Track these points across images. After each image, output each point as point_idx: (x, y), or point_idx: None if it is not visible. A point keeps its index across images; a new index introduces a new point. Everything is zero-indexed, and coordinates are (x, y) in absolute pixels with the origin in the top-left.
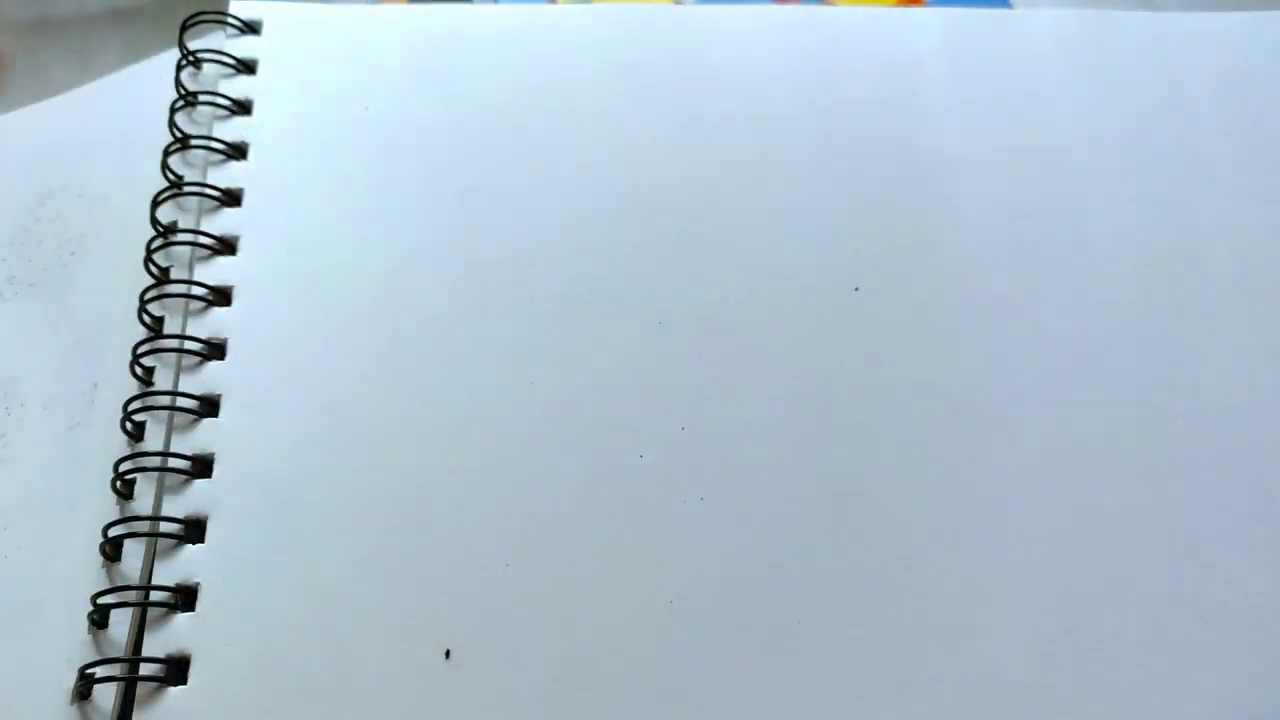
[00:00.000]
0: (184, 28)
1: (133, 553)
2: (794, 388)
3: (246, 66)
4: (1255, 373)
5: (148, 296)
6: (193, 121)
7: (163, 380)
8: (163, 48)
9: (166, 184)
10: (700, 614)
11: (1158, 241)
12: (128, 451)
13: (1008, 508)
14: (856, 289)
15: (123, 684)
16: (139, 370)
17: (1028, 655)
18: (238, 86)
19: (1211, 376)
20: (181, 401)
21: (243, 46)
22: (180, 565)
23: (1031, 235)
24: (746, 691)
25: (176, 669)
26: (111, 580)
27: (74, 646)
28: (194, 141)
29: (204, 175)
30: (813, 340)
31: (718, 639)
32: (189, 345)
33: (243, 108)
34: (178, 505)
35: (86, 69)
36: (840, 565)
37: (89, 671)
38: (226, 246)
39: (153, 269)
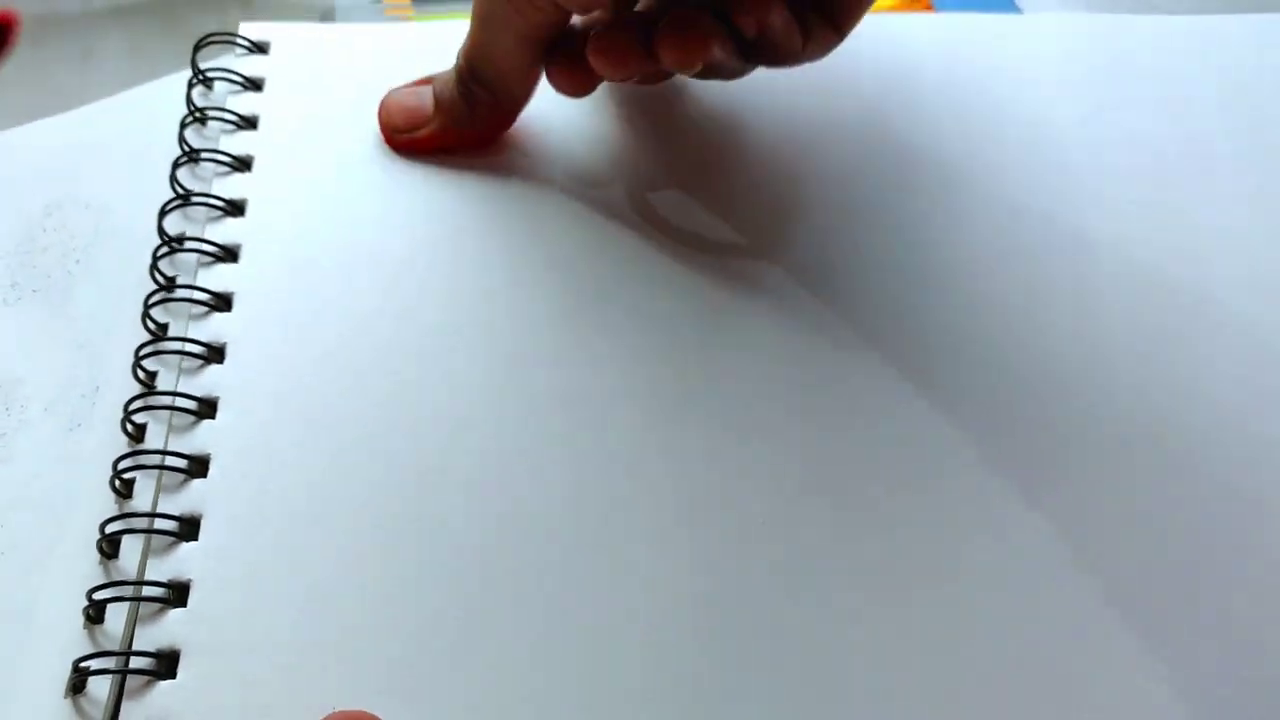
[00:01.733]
0: (196, 48)
1: (129, 551)
2: (793, 388)
3: (254, 84)
4: (1256, 374)
5: (151, 301)
6: (201, 137)
7: (164, 385)
8: (164, 43)
9: (173, 195)
10: (701, 613)
11: (1160, 243)
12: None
13: (1007, 508)
14: (856, 289)
15: (117, 677)
16: (140, 373)
17: (1028, 655)
18: (245, 102)
19: (1212, 377)
20: (180, 403)
21: (251, 65)
22: (175, 562)
23: (1034, 237)
24: (745, 691)
25: (167, 663)
26: (108, 576)
27: (69, 640)
28: (201, 154)
29: (209, 187)
30: (812, 340)
31: (717, 638)
32: (190, 348)
33: (249, 123)
34: (174, 504)
35: (88, 64)
36: (839, 566)
37: (83, 665)
38: (229, 254)
39: (157, 276)
